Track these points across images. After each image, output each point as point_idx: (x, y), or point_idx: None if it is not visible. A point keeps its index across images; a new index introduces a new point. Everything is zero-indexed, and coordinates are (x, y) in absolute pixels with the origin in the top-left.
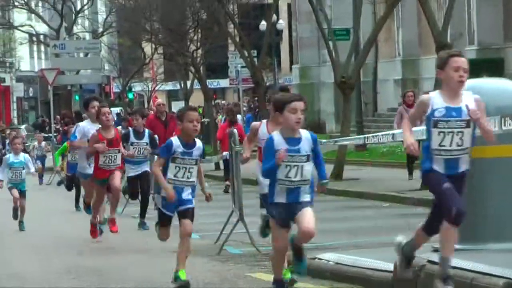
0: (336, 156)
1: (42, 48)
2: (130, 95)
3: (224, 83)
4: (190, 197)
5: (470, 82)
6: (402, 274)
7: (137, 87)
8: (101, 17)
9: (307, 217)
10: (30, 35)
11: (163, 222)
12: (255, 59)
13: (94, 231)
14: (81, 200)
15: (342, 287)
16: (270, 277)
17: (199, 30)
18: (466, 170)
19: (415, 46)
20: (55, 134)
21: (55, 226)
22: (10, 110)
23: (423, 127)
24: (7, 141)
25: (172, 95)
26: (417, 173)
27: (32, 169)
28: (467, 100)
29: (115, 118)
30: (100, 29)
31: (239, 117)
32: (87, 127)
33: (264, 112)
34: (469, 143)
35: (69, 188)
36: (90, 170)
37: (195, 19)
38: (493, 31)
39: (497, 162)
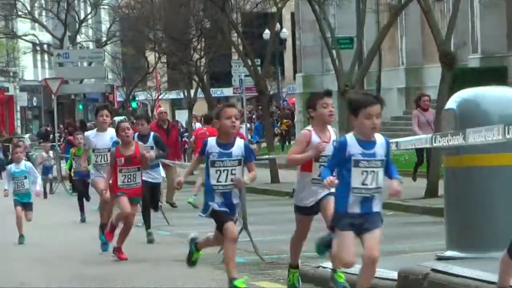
0: None
1: (46, 57)
2: (134, 104)
3: (227, 92)
4: (238, 201)
5: (474, 91)
6: None
7: (141, 96)
8: (105, 26)
9: (374, 241)
10: (34, 44)
11: (223, 219)
12: (259, 68)
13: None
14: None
15: None
16: (273, 285)
17: (203, 39)
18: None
19: (418, 55)
20: (59, 143)
21: (59, 236)
22: (13, 120)
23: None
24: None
25: (175, 104)
26: (421, 181)
27: (37, 187)
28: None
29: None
30: (104, 38)
31: (243, 125)
32: (91, 136)
33: (267, 121)
34: None
35: (79, 198)
36: (101, 175)
37: (198, 28)
38: (496, 40)
39: (501, 170)
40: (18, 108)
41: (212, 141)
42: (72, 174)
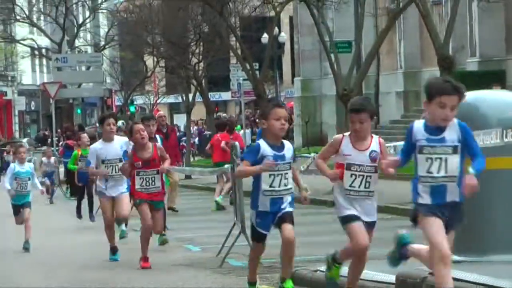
0: None
1: (44, 61)
2: (132, 108)
3: (226, 96)
4: (289, 208)
5: (473, 94)
6: None
7: (139, 100)
8: (103, 30)
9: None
10: (32, 48)
11: (257, 238)
12: (257, 72)
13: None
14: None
15: None
16: None
17: (201, 43)
18: None
19: (417, 59)
20: (57, 148)
21: (61, 241)
22: (12, 124)
23: None
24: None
25: (174, 108)
26: None
27: (39, 186)
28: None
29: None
30: (102, 43)
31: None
32: (98, 148)
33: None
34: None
35: (80, 198)
36: (107, 192)
37: (197, 32)
38: (494, 43)
39: (499, 174)
40: (16, 112)
41: (264, 144)
42: (76, 177)
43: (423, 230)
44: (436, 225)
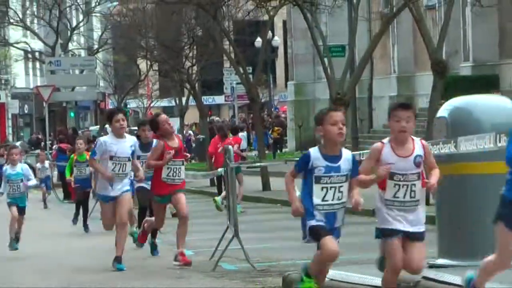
0: None
1: (38, 65)
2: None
3: (219, 99)
4: (341, 223)
5: (465, 99)
6: None
7: (132, 103)
8: (97, 34)
9: None
10: (26, 52)
11: (323, 233)
12: (251, 76)
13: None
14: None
15: None
16: None
17: (195, 47)
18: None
19: (410, 63)
20: (50, 151)
21: (56, 245)
22: (5, 127)
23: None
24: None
25: (167, 112)
26: None
27: (34, 181)
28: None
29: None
30: (96, 46)
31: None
32: (108, 142)
33: (259, 129)
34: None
35: (77, 206)
36: (112, 192)
37: (190, 36)
38: (488, 48)
39: (493, 178)
40: (10, 116)
41: (315, 152)
42: (72, 182)
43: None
44: None
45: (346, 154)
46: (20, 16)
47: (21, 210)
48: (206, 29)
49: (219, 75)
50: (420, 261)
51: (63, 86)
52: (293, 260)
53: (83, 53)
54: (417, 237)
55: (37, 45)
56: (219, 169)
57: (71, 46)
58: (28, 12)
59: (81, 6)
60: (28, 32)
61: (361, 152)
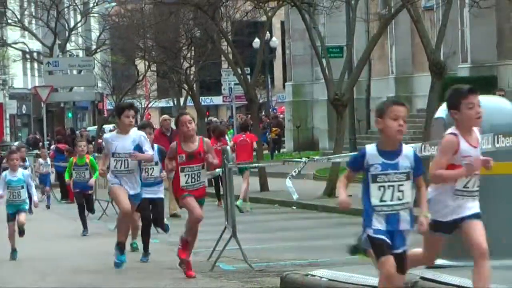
0: (329, 173)
1: (36, 65)
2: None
3: (217, 100)
4: (408, 227)
5: None
6: None
7: None
8: (95, 34)
9: None
10: (24, 52)
11: (379, 246)
12: (249, 77)
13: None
14: (95, 223)
15: None
16: None
17: (193, 48)
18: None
19: (408, 64)
20: (48, 151)
21: (55, 247)
22: (3, 127)
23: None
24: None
25: (165, 112)
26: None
27: (35, 199)
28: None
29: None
30: (94, 47)
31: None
32: (109, 138)
33: (257, 129)
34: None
35: (81, 211)
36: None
37: (188, 37)
38: (486, 49)
39: (491, 179)
40: (7, 116)
41: (371, 149)
42: (72, 186)
43: None
44: None
45: (407, 150)
46: (18, 16)
47: (22, 210)
48: (204, 30)
49: (217, 75)
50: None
51: (61, 86)
52: (291, 261)
53: (81, 53)
54: (476, 216)
55: (35, 45)
56: (217, 170)
57: (69, 46)
58: (26, 12)
59: (79, 6)
60: (26, 32)
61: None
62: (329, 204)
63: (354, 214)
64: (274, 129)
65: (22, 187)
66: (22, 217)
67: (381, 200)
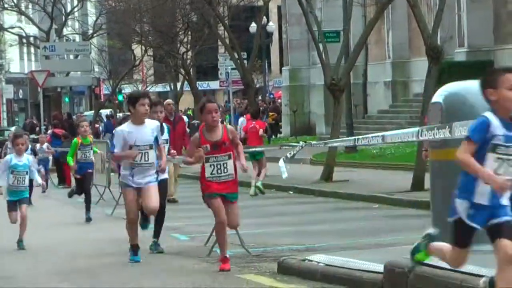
0: (326, 157)
1: (32, 50)
2: (120, 97)
3: (214, 85)
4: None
5: (460, 84)
6: None
7: (127, 89)
8: (91, 19)
9: None
10: (20, 37)
11: (462, 239)
12: (245, 61)
13: (225, 261)
14: (92, 208)
15: None
16: (260, 278)
17: (189, 32)
18: None
19: (405, 49)
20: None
21: (53, 233)
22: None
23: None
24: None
25: (162, 97)
26: (408, 174)
27: (39, 180)
28: None
29: (105, 120)
30: (90, 31)
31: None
32: (125, 131)
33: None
34: None
35: (79, 193)
36: (134, 184)
37: (185, 21)
38: (483, 34)
39: None
40: (4, 101)
41: (494, 118)
42: (75, 168)
43: None
44: None
45: None
46: (15, 1)
47: (24, 200)
48: (201, 14)
49: (214, 60)
50: None
51: (58, 71)
52: (288, 245)
53: (77, 38)
54: None
55: (32, 30)
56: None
57: (65, 31)
58: None
59: None
60: (23, 17)
61: (383, 134)
62: (326, 189)
63: (350, 199)
64: (271, 114)
65: (27, 173)
66: (23, 209)
67: (496, 173)
